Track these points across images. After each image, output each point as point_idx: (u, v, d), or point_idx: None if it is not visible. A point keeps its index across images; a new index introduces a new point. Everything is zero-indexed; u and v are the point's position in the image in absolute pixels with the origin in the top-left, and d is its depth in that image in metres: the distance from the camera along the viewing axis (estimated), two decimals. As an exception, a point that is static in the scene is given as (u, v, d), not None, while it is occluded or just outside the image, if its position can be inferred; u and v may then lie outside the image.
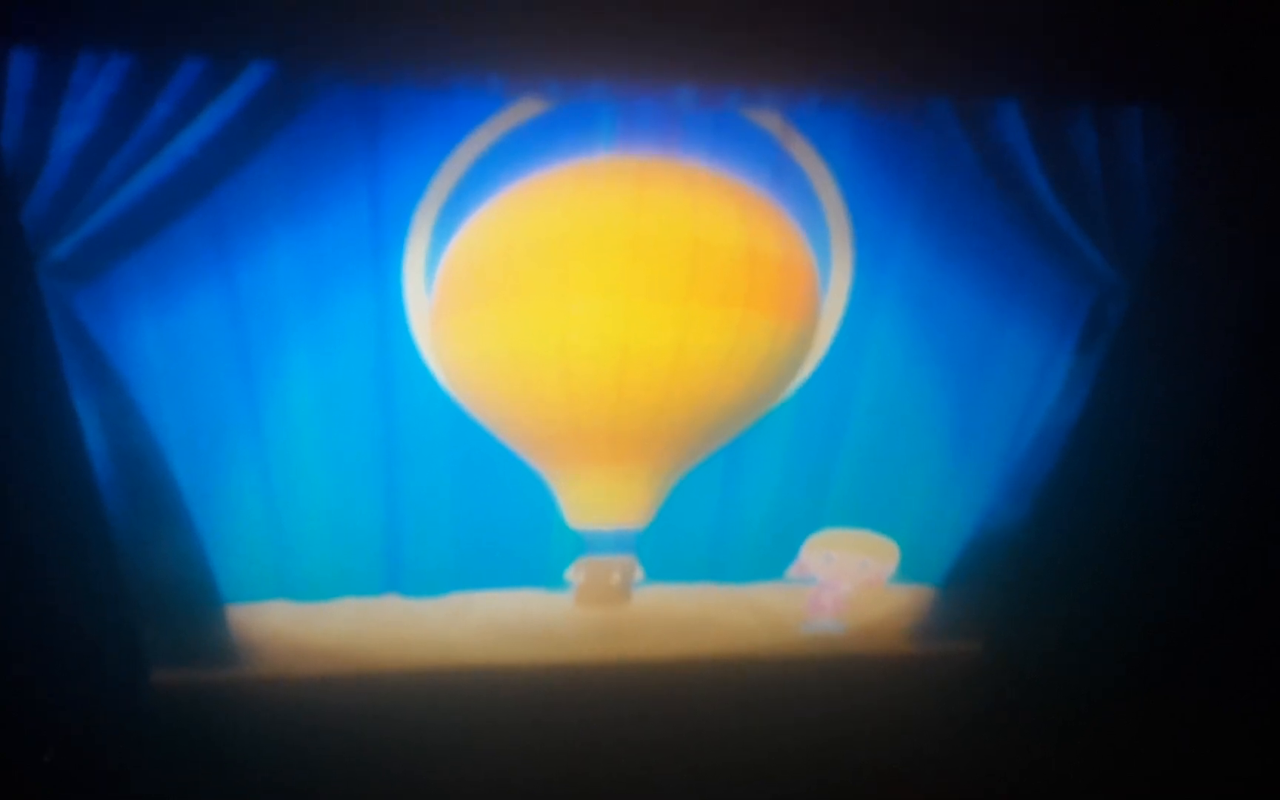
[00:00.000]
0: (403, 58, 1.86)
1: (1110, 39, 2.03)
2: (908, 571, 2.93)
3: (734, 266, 2.17)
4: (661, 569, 2.83)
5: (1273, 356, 2.45)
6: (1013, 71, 2.04)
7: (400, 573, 2.72)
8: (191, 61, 1.83)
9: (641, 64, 1.92)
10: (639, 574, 2.79)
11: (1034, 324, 2.48)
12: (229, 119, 1.88)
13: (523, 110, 2.01)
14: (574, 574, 2.76)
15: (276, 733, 2.70)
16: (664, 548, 2.77)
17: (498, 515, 2.64)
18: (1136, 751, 3.00)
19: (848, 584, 2.91)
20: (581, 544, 2.71)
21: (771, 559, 2.87)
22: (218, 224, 2.05)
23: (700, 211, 2.14)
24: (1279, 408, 2.54)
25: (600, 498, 2.56)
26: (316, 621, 2.72)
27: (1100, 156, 2.16)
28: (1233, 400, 2.53)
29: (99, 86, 1.82)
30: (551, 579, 2.79)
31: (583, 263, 2.13)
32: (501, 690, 2.85)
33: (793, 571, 2.87)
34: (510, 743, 2.81)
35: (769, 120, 2.10)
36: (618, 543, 2.69)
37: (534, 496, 2.60)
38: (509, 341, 2.20)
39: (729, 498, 2.73)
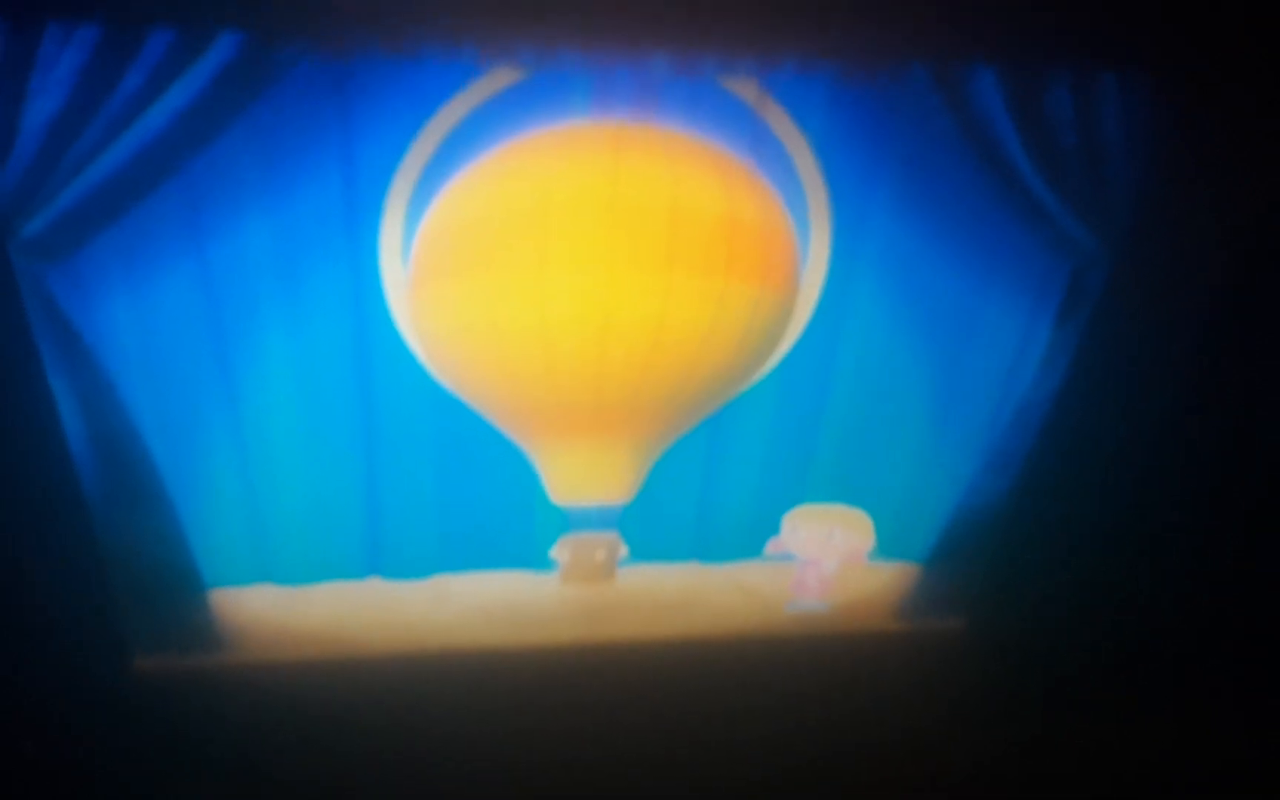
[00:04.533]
0: (375, 27, 1.84)
1: (1087, 6, 2.03)
2: (891, 548, 2.93)
3: (714, 234, 2.16)
4: (646, 548, 2.83)
5: (1251, 324, 2.46)
6: (989, 38, 2.04)
7: (382, 555, 2.71)
8: (160, 32, 1.81)
9: (616, 31, 1.91)
10: (623, 551, 2.78)
11: (1014, 294, 2.48)
12: (199, 91, 1.87)
13: (497, 79, 2.00)
14: (558, 552, 2.76)
15: (261, 718, 2.69)
16: (648, 526, 2.77)
17: (480, 495, 2.64)
18: (1120, 727, 3.01)
19: (826, 558, 2.91)
20: (565, 523, 2.70)
21: (755, 536, 2.87)
22: (190, 199, 2.04)
23: (679, 178, 2.12)
24: (1259, 376, 2.54)
25: (583, 472, 2.54)
26: (299, 605, 2.70)
27: (1077, 124, 2.16)
28: (1213, 370, 2.54)
29: (67, 59, 1.81)
30: (536, 560, 2.79)
31: (561, 231, 2.12)
32: (486, 673, 2.83)
33: (770, 547, 2.87)
34: (496, 726, 2.79)
35: (745, 88, 2.09)
36: (601, 519, 2.68)
37: (517, 476, 2.59)
38: (488, 312, 2.19)
39: (711, 475, 2.73)
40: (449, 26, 1.86)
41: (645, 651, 2.94)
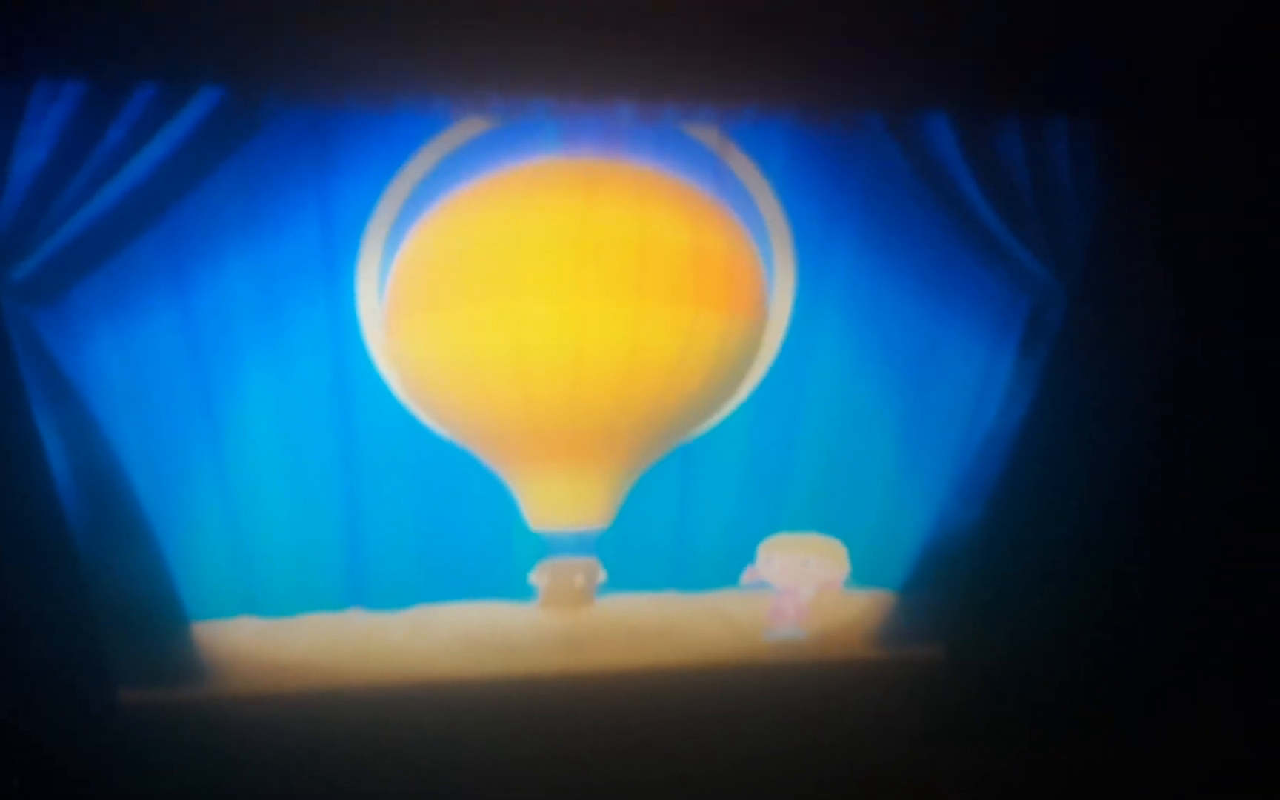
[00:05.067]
0: (350, 81, 1.93)
1: (1034, 52, 2.12)
2: (868, 576, 2.97)
3: (682, 264, 2.23)
4: (624, 578, 2.87)
5: (1206, 351, 2.52)
6: (942, 86, 2.12)
7: (364, 586, 2.75)
8: (144, 87, 1.89)
9: (581, 82, 1.99)
10: (602, 576, 2.82)
11: (976, 329, 2.55)
12: (182, 142, 1.95)
13: (469, 127, 2.08)
14: (537, 577, 2.79)
15: (245, 750, 2.71)
16: (626, 556, 2.81)
17: (459, 524, 2.68)
18: (1100, 748, 3.03)
19: (802, 587, 2.95)
20: (544, 550, 2.75)
21: (732, 566, 2.91)
22: (174, 245, 2.11)
23: (647, 210, 2.20)
24: (1215, 400, 2.61)
25: (561, 498, 2.59)
26: (282, 637, 2.74)
27: (1029, 165, 2.24)
28: (1172, 397, 2.60)
29: (55, 113, 1.89)
30: (516, 588, 2.83)
31: (533, 262, 2.18)
32: (467, 702, 2.86)
33: (746, 576, 2.91)
34: (477, 755, 2.82)
35: (707, 134, 2.17)
36: (579, 544, 2.73)
37: (495, 504, 2.64)
38: (463, 343, 2.24)
39: (687, 505, 2.78)
40: (421, 82, 1.94)
41: (625, 680, 2.96)
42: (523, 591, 2.84)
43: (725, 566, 2.91)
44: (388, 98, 1.96)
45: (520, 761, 2.82)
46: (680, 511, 2.79)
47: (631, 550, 2.80)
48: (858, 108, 2.10)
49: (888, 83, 2.06)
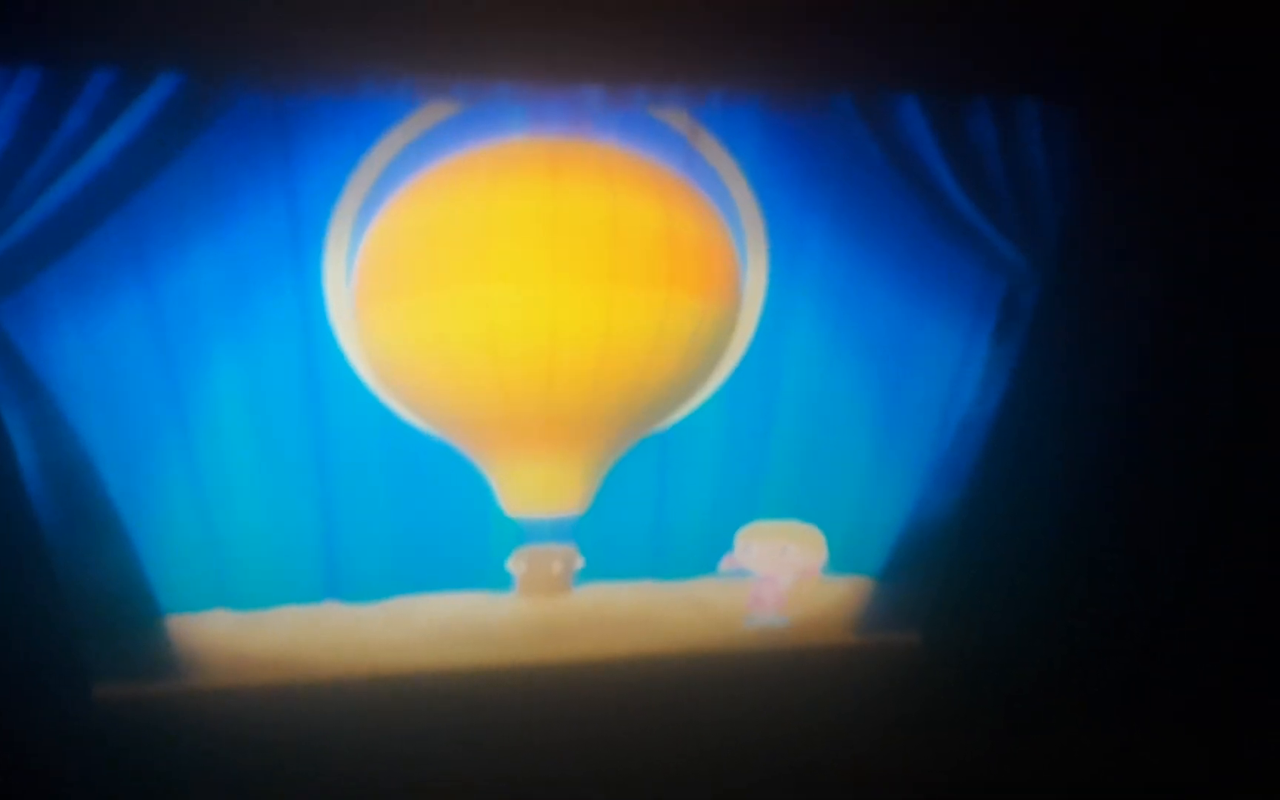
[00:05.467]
0: (311, 65, 1.90)
1: (1006, 33, 2.10)
2: (846, 563, 2.97)
3: (654, 246, 2.21)
4: (602, 567, 2.86)
5: (1181, 335, 2.53)
6: (911, 68, 2.11)
7: (339, 578, 2.74)
8: (101, 73, 1.86)
9: (548, 67, 1.98)
10: (579, 562, 2.81)
11: (951, 312, 2.55)
12: (142, 128, 1.92)
13: (435, 111, 2.06)
14: (514, 565, 2.78)
15: (220, 744, 2.69)
16: (603, 545, 2.81)
17: (434, 513, 2.67)
18: (1075, 737, 3.04)
19: (781, 574, 2.95)
20: (521, 537, 2.74)
21: (709, 554, 2.90)
22: (137, 233, 2.09)
23: (617, 191, 2.18)
24: (1190, 384, 2.61)
25: (536, 484, 2.57)
26: (257, 630, 2.72)
27: (1001, 149, 2.24)
28: (1146, 381, 2.60)
29: (11, 99, 1.86)
30: (492, 577, 2.81)
31: (503, 244, 2.16)
32: (445, 693, 2.85)
33: (724, 564, 2.91)
34: (456, 746, 2.81)
35: (677, 119, 2.15)
36: (556, 531, 2.71)
37: (470, 492, 2.63)
38: (435, 328, 2.22)
39: (664, 493, 2.78)
40: (384, 64, 1.92)
41: (604, 669, 2.96)
42: (500, 581, 2.82)
43: (703, 554, 2.91)
44: (351, 82, 1.93)
45: (499, 751, 2.81)
46: (658, 499, 2.79)
47: (609, 539, 2.79)
48: (828, 90, 2.09)
49: (858, 65, 2.06)
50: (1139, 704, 3.05)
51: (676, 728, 2.92)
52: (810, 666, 3.05)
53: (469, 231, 2.16)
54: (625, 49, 1.97)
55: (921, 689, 3.07)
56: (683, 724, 2.93)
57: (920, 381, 2.66)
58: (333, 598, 2.76)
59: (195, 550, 2.57)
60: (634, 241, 2.20)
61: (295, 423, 2.43)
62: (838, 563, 2.96)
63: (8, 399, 2.19)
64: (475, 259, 2.17)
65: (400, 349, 2.30)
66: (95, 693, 2.67)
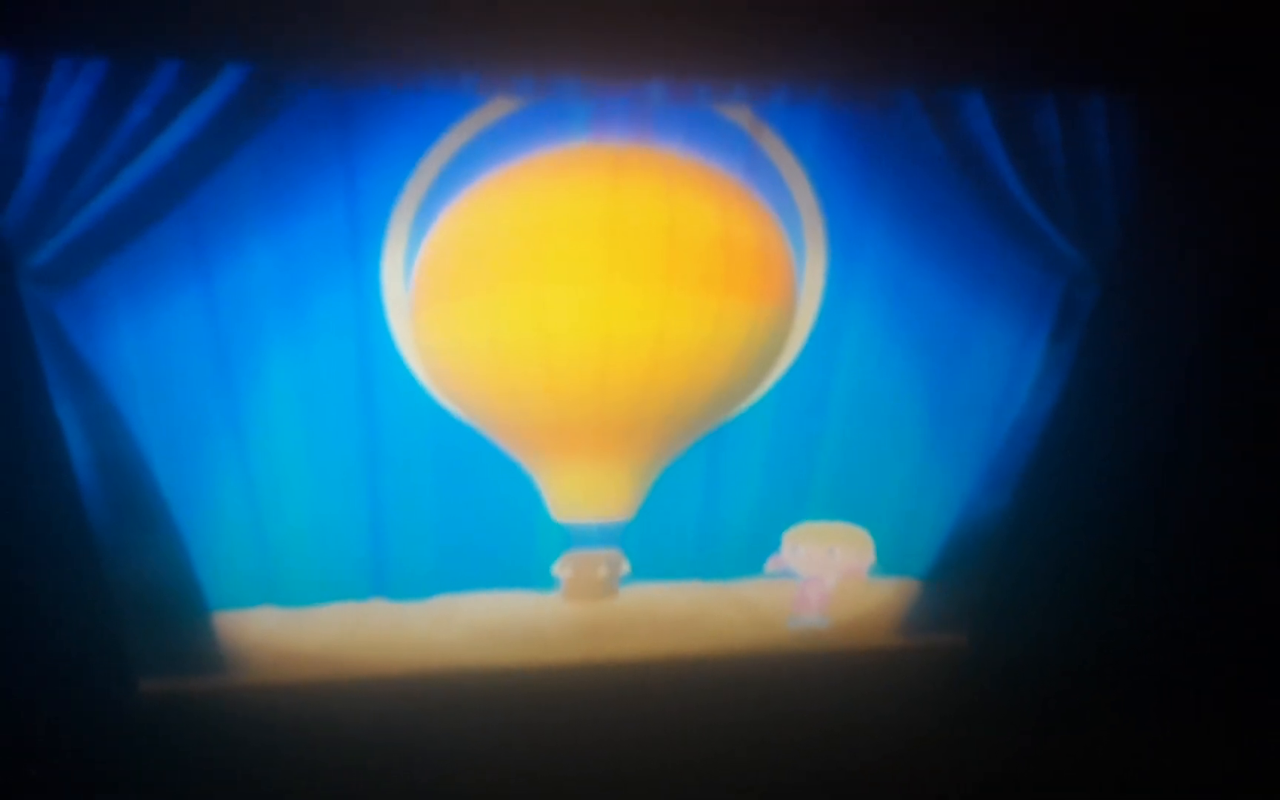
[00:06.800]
0: (376, 60, 1.88)
1: (1072, 28, 2.07)
2: (892, 564, 2.95)
3: (710, 252, 2.19)
4: (648, 567, 2.84)
5: (1241, 336, 2.48)
6: (976, 62, 2.07)
7: (386, 576, 2.72)
8: (167, 65, 1.85)
9: (612, 61, 1.95)
10: (625, 567, 2.80)
11: (1008, 312, 2.51)
12: (205, 122, 1.90)
13: (497, 107, 2.04)
14: (560, 569, 2.77)
15: (265, 740, 2.70)
16: (650, 545, 2.79)
17: (482, 515, 2.65)
18: (1122, 742, 3.01)
19: (827, 575, 2.92)
20: (568, 540, 2.72)
21: (756, 554, 2.89)
22: (196, 228, 2.07)
23: (675, 198, 2.16)
24: (1250, 388, 2.57)
25: (585, 490, 2.56)
26: (303, 627, 2.72)
27: (1064, 145, 2.20)
28: (1206, 384, 2.56)
29: (75, 91, 1.84)
30: (538, 578, 2.80)
31: (560, 249, 2.15)
32: (489, 693, 2.85)
33: (770, 565, 2.89)
34: (499, 745, 2.80)
35: (739, 114, 2.13)
36: (603, 536, 2.70)
37: (518, 495, 2.61)
38: (490, 331, 2.21)
39: (712, 493, 2.75)
40: (448, 60, 1.90)
41: (648, 669, 2.95)
42: (545, 581, 2.81)
43: (750, 555, 2.89)
44: (415, 77, 1.91)
45: (543, 751, 2.81)
46: (705, 500, 2.76)
47: (656, 539, 2.78)
48: (892, 85, 2.05)
49: (923, 60, 2.02)
50: (1185, 704, 3.02)
51: (720, 728, 2.91)
52: (855, 667, 3.04)
53: (526, 233, 2.15)
54: (689, 44, 1.94)
55: (967, 690, 3.05)
56: (727, 724, 2.92)
57: (974, 382, 2.62)
58: (379, 596, 2.76)
59: (244, 547, 2.56)
60: (690, 247, 2.19)
61: (347, 421, 2.41)
62: (885, 564, 2.94)
63: (62, 393, 2.19)
64: (530, 260, 2.16)
65: (454, 351, 2.29)
66: (141, 687, 2.69)
